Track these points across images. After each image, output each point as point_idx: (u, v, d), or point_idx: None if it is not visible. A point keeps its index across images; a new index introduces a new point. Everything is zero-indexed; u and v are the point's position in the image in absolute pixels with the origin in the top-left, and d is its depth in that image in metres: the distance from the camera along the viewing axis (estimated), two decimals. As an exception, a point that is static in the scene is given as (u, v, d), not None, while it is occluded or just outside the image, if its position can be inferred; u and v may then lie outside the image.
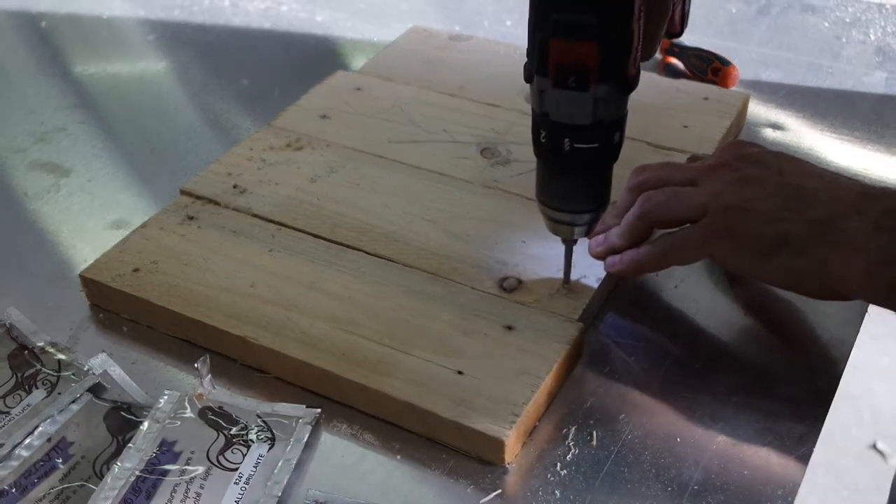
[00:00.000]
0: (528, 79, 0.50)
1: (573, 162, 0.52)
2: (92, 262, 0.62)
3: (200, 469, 0.49)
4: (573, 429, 0.52)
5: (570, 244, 0.57)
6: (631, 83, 0.50)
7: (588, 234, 0.56)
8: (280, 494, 0.48)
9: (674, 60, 0.87)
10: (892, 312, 0.49)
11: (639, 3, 0.47)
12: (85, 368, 0.55)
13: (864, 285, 0.49)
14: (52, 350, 0.57)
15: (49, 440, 0.51)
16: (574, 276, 0.59)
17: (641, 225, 0.56)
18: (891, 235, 0.48)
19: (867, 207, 0.49)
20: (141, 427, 0.51)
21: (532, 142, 0.53)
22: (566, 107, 0.49)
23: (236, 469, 0.49)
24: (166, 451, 0.50)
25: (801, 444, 0.51)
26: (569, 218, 0.55)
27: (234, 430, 0.51)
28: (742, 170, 0.54)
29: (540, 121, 0.51)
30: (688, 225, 0.54)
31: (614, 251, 0.58)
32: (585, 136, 0.50)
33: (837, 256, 0.49)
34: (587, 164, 0.52)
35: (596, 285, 0.58)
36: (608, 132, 0.51)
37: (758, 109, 0.80)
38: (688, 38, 0.87)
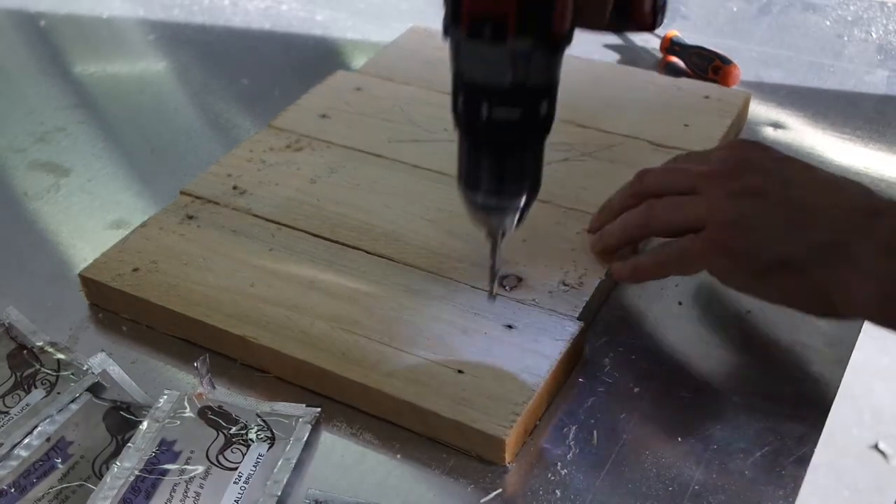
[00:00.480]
0: (444, 31, 0.44)
1: (493, 133, 0.45)
2: (91, 261, 0.62)
3: (200, 468, 0.49)
4: (573, 428, 0.52)
5: (495, 239, 0.50)
6: (559, 40, 0.43)
7: (517, 224, 0.50)
8: (280, 494, 0.48)
9: (675, 59, 0.87)
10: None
11: None
12: (84, 368, 0.55)
13: (871, 312, 0.47)
14: (51, 350, 0.57)
15: (48, 440, 0.51)
16: (576, 274, 0.59)
17: (641, 234, 0.57)
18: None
19: (874, 228, 0.47)
20: (140, 426, 0.51)
21: (451, 112, 0.47)
22: (482, 62, 0.43)
23: (236, 468, 0.49)
24: (166, 450, 0.50)
25: (801, 444, 0.51)
26: (491, 202, 0.48)
27: (233, 430, 0.51)
28: (744, 179, 0.52)
29: (456, 83, 0.45)
30: (689, 235, 0.53)
31: (609, 251, 0.58)
32: (505, 100, 0.44)
33: (840, 280, 0.47)
34: (508, 135, 0.45)
35: (596, 284, 0.58)
36: (532, 99, 0.44)
37: (759, 108, 0.80)
38: (689, 37, 0.87)
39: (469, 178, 0.47)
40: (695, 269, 0.54)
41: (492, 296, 0.51)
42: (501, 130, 0.45)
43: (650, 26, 0.63)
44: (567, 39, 0.44)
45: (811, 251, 0.48)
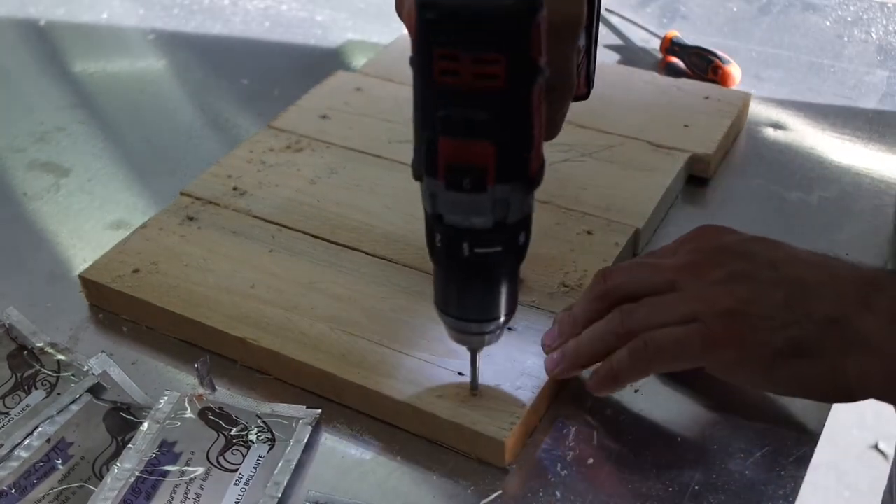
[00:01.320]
0: (416, 177, 0.44)
1: (474, 268, 0.45)
2: (91, 262, 0.62)
3: (200, 470, 0.49)
4: (573, 429, 0.52)
5: (475, 352, 0.51)
6: (534, 178, 0.43)
7: (495, 339, 0.50)
8: (280, 495, 0.48)
9: (674, 59, 0.87)
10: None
11: (538, 90, 0.41)
12: (84, 369, 0.55)
13: (886, 387, 0.45)
14: (51, 350, 0.57)
15: (48, 441, 0.51)
16: (576, 275, 0.59)
17: (618, 343, 0.49)
18: None
19: (874, 299, 0.45)
20: (141, 427, 0.51)
21: (426, 245, 0.47)
22: (462, 210, 0.43)
23: (236, 470, 0.49)
24: (166, 451, 0.50)
25: (801, 444, 0.51)
26: (474, 328, 0.48)
27: (234, 431, 0.51)
28: (727, 265, 0.48)
29: (434, 223, 0.45)
30: (678, 327, 0.47)
31: (578, 368, 0.52)
32: (486, 240, 0.44)
33: (855, 360, 0.44)
34: (490, 270, 0.46)
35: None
36: (512, 234, 0.45)
37: (759, 109, 0.80)
38: (689, 37, 0.87)
39: (448, 306, 0.48)
40: (691, 363, 0.48)
41: (473, 393, 0.52)
42: (482, 264, 0.45)
43: (585, 95, 0.61)
44: (541, 176, 0.44)
45: (821, 330, 0.45)
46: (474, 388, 0.52)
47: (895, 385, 0.44)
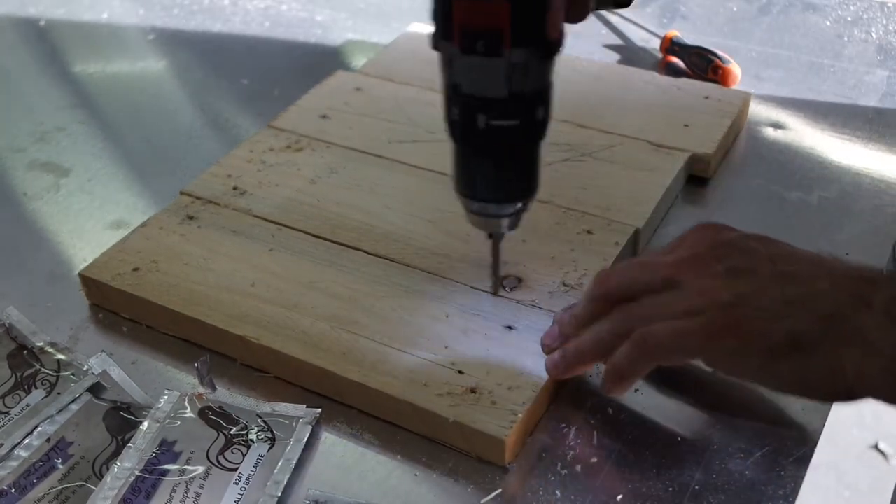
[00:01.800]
0: (434, 45, 0.44)
1: (491, 142, 0.44)
2: (91, 261, 0.62)
3: (200, 469, 0.49)
4: (573, 429, 0.52)
5: (497, 238, 0.49)
6: (552, 46, 0.42)
7: (516, 225, 0.49)
8: (280, 494, 0.48)
9: (674, 59, 0.87)
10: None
11: None
12: (84, 368, 0.55)
13: (888, 386, 0.44)
14: (51, 350, 0.57)
15: (48, 440, 0.51)
16: (576, 274, 0.59)
17: (620, 342, 0.48)
18: None
19: (873, 297, 0.44)
20: (141, 427, 0.51)
21: (444, 121, 0.46)
22: (478, 76, 0.42)
23: (236, 469, 0.49)
24: (166, 450, 0.50)
25: (801, 444, 0.51)
26: (494, 209, 0.47)
27: (234, 430, 0.51)
28: (728, 260, 0.48)
29: (451, 95, 0.44)
30: (674, 321, 0.47)
31: (579, 368, 0.52)
32: (502, 111, 0.43)
33: (853, 355, 0.44)
34: (507, 145, 0.45)
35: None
36: (529, 106, 0.44)
37: (759, 108, 0.80)
38: (689, 37, 0.87)
39: (467, 186, 0.47)
40: (693, 355, 0.48)
41: (496, 293, 0.50)
42: (499, 139, 0.44)
43: (627, 2, 0.59)
44: (560, 44, 0.43)
45: (820, 325, 0.45)
46: (496, 284, 0.49)
47: (893, 383, 0.44)
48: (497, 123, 0.44)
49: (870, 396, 0.45)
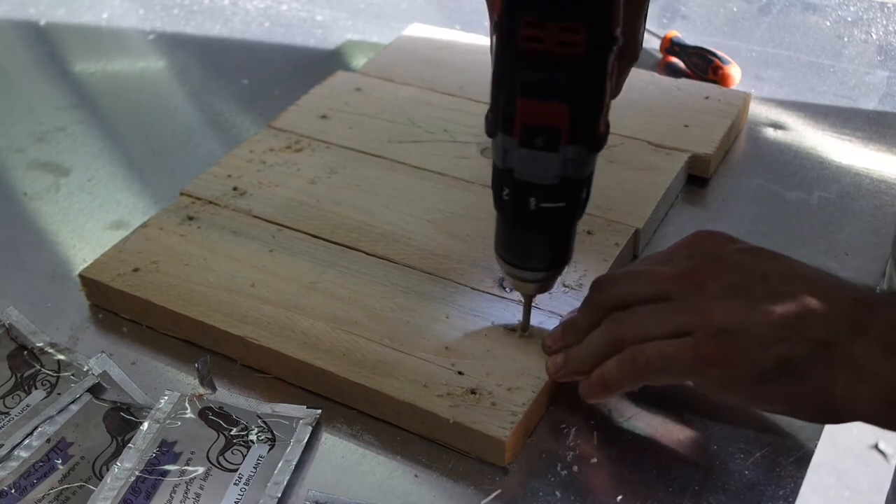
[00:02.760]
0: (490, 133, 0.47)
1: (539, 221, 0.48)
2: (91, 261, 0.62)
3: (200, 469, 0.49)
4: (573, 429, 0.52)
5: (529, 298, 0.54)
6: (600, 141, 0.46)
7: (550, 287, 0.53)
8: (280, 495, 0.48)
9: (674, 59, 0.87)
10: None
11: (612, 58, 0.44)
12: (84, 369, 0.55)
13: (878, 415, 0.44)
14: (51, 350, 0.57)
15: (48, 441, 0.51)
16: (576, 275, 0.59)
17: (612, 351, 0.49)
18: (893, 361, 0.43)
19: (869, 323, 0.44)
20: (141, 427, 0.51)
21: (493, 196, 0.49)
22: (533, 166, 0.46)
23: (236, 470, 0.49)
24: (166, 451, 0.50)
25: (801, 444, 0.51)
26: (531, 276, 0.51)
27: (234, 431, 0.51)
28: (721, 278, 0.48)
29: (503, 177, 0.47)
30: (670, 340, 0.47)
31: (574, 375, 0.52)
32: (552, 196, 0.47)
33: (844, 383, 0.44)
34: (553, 223, 0.49)
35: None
36: (576, 190, 0.47)
37: (759, 109, 0.80)
38: (689, 37, 0.87)
39: (515, 256, 0.51)
40: (681, 379, 0.49)
41: (520, 335, 0.55)
42: (547, 219, 0.48)
43: (636, 58, 0.64)
44: (606, 137, 0.47)
45: (811, 351, 0.44)
46: (524, 329, 0.55)
47: (882, 409, 0.43)
48: (546, 206, 0.47)
49: (859, 420, 0.44)
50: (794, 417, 0.48)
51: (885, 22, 0.93)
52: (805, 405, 0.46)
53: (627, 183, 0.67)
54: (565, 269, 0.59)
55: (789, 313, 0.45)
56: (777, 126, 0.78)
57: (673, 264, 0.50)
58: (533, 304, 0.56)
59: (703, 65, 0.83)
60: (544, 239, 0.50)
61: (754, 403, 0.49)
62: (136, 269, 0.61)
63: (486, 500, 0.49)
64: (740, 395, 0.47)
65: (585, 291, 0.57)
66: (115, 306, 0.61)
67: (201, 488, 0.48)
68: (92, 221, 0.71)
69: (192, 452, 0.50)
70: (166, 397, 0.53)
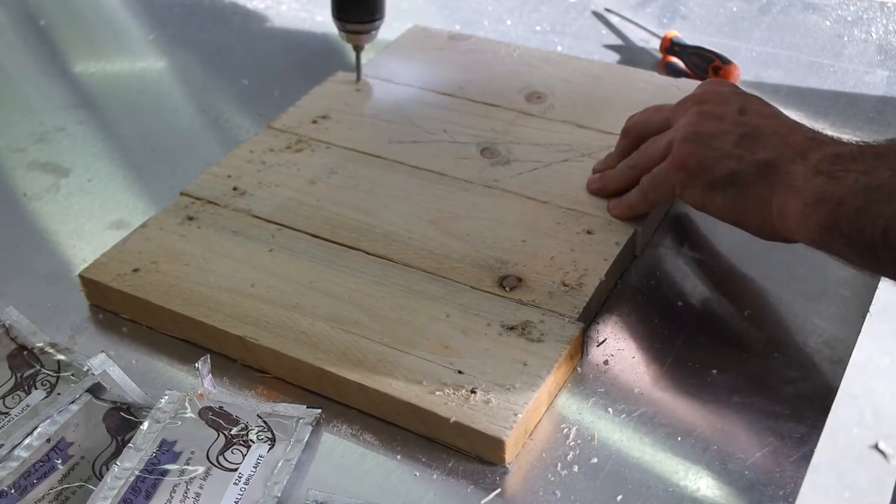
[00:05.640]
0: None
1: None
2: (91, 262, 0.62)
3: (200, 469, 0.49)
4: (573, 429, 0.52)
5: (358, 51, 0.78)
6: None
7: (371, 40, 0.75)
8: (280, 495, 0.48)
9: (674, 59, 0.87)
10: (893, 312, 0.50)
11: None
12: (84, 369, 0.55)
13: (799, 225, 0.51)
14: (51, 350, 0.57)
15: (48, 441, 0.51)
16: (576, 274, 0.59)
17: (632, 173, 0.62)
18: (825, 178, 0.50)
19: (812, 152, 0.52)
20: (141, 427, 0.51)
21: None
22: None
23: (236, 469, 0.49)
24: (166, 451, 0.50)
25: (802, 444, 0.51)
26: (357, 28, 0.74)
27: (234, 431, 0.51)
28: (706, 105, 0.58)
29: None
30: (660, 167, 0.59)
31: (604, 191, 0.65)
32: None
33: (778, 196, 0.52)
34: None
35: (596, 284, 0.58)
36: None
37: (758, 108, 0.80)
38: (689, 37, 0.87)
39: (337, 12, 0.76)
40: (667, 191, 0.59)
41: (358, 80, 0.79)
42: None
43: None
44: None
45: (757, 168, 0.53)
46: (358, 79, 0.79)
47: (807, 224, 0.50)
48: None
49: (789, 236, 0.53)
50: (741, 227, 0.56)
51: (885, 21, 0.93)
52: (748, 215, 0.55)
53: (627, 182, 0.67)
54: (565, 270, 0.60)
55: (748, 137, 0.55)
56: (777, 126, 0.78)
57: (682, 99, 0.61)
58: (533, 303, 0.56)
59: (704, 64, 0.83)
60: None
61: (708, 207, 0.57)
62: (136, 270, 0.61)
63: (485, 500, 0.49)
64: (697, 199, 0.57)
65: (586, 291, 0.58)
66: (114, 306, 0.61)
67: (201, 488, 0.48)
68: (92, 222, 0.71)
69: (192, 452, 0.50)
70: (166, 397, 0.53)
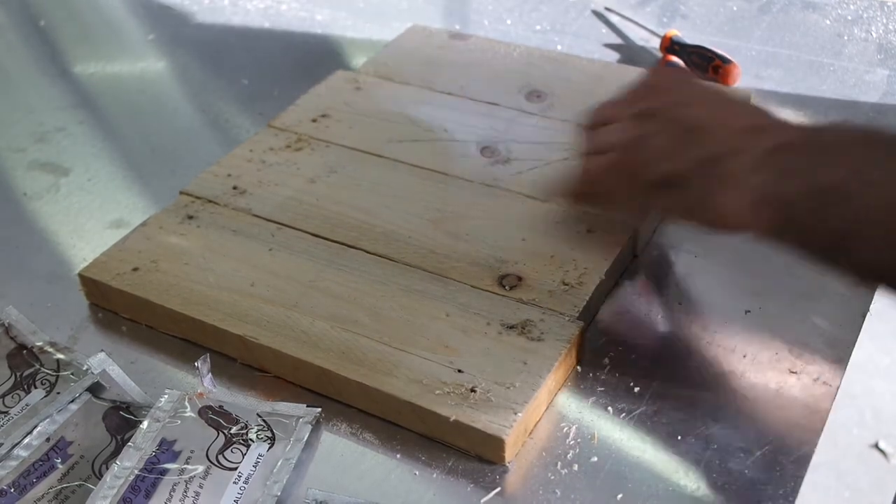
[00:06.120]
0: None
1: None
2: (91, 261, 0.62)
3: (200, 468, 0.49)
4: (573, 428, 0.52)
5: None
6: None
7: None
8: (279, 493, 0.48)
9: (674, 58, 0.87)
10: (892, 312, 0.49)
11: None
12: (84, 368, 0.55)
13: (748, 222, 0.50)
14: (51, 349, 0.57)
15: (48, 440, 0.51)
16: (576, 274, 0.59)
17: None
18: (771, 174, 0.48)
19: (752, 145, 0.50)
20: (141, 426, 0.51)
21: None
22: None
23: (236, 468, 0.49)
24: (166, 450, 0.50)
25: (801, 444, 0.51)
26: None
27: (234, 430, 0.51)
28: (644, 103, 0.57)
29: None
30: (598, 159, 0.58)
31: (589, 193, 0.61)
32: None
33: (720, 194, 0.50)
34: None
35: (596, 284, 0.58)
36: None
37: (759, 108, 0.80)
38: (689, 36, 0.87)
39: None
40: (603, 187, 0.58)
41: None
42: None
43: None
44: None
45: (695, 167, 0.51)
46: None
47: (756, 221, 0.49)
48: None
49: (734, 227, 0.51)
50: (686, 222, 0.55)
51: (885, 20, 0.93)
52: (689, 211, 0.53)
53: (627, 182, 0.67)
54: (565, 269, 0.59)
55: (686, 135, 0.53)
56: (777, 125, 0.78)
57: (630, 92, 0.59)
58: (533, 302, 0.56)
59: (704, 63, 0.83)
60: None
61: (652, 205, 0.57)
62: (135, 269, 0.61)
63: (485, 499, 0.49)
64: (640, 197, 0.56)
65: (586, 291, 0.58)
66: (114, 305, 0.61)
67: (201, 487, 0.48)
68: (92, 221, 0.71)
69: (192, 451, 0.50)
70: (166, 396, 0.53)
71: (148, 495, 0.47)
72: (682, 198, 0.52)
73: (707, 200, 0.51)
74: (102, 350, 0.57)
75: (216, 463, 0.49)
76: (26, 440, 0.51)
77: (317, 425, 0.53)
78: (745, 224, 0.50)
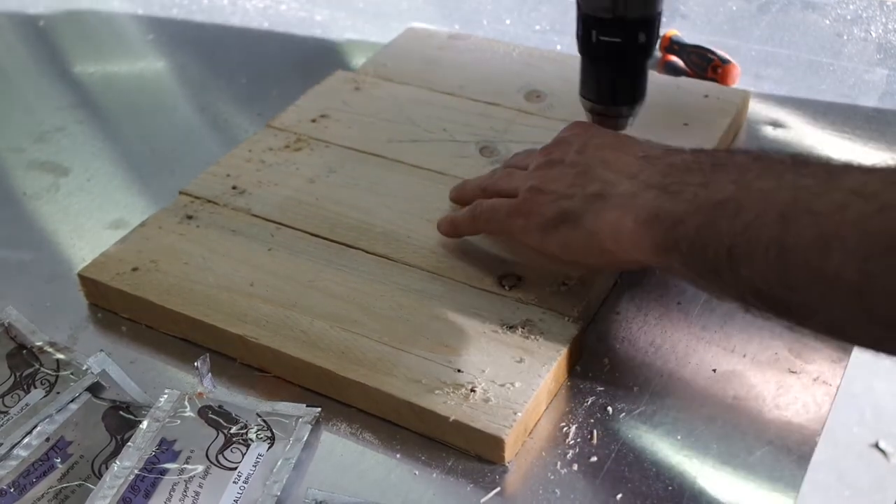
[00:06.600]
0: None
1: (600, 53, 0.61)
2: (91, 261, 0.62)
3: (199, 468, 0.49)
4: (573, 428, 0.52)
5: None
6: None
7: (622, 126, 0.64)
8: (279, 493, 0.48)
9: (674, 58, 0.87)
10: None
11: None
12: (83, 368, 0.55)
13: (635, 245, 0.50)
14: (50, 349, 0.57)
15: (47, 440, 0.51)
16: (576, 273, 0.59)
17: (481, 195, 0.62)
18: (657, 192, 0.49)
19: (642, 171, 0.52)
20: (141, 426, 0.51)
21: (577, 40, 0.62)
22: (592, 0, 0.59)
23: (235, 468, 0.49)
24: (165, 449, 0.50)
25: (801, 443, 0.51)
26: (610, 111, 0.64)
27: (233, 429, 0.51)
28: (552, 153, 0.58)
29: (577, 15, 0.61)
30: (497, 199, 0.59)
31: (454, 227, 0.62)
32: (609, 30, 0.59)
33: (608, 222, 0.51)
34: (612, 57, 0.60)
35: (595, 284, 0.58)
36: (632, 29, 0.59)
37: (758, 107, 0.80)
38: (688, 36, 0.87)
39: (587, 90, 0.65)
40: (501, 228, 0.59)
41: None
42: (605, 51, 0.60)
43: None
44: None
45: (585, 202, 0.53)
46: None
47: (643, 243, 0.49)
48: (605, 39, 0.60)
49: (632, 259, 0.51)
50: (578, 261, 0.56)
51: (884, 20, 0.93)
52: (580, 248, 0.54)
53: (627, 181, 0.67)
54: (565, 269, 0.59)
55: (582, 175, 0.55)
56: (776, 124, 0.78)
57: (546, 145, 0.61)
58: (532, 302, 0.56)
59: (703, 63, 0.83)
60: (608, 72, 0.62)
61: (547, 249, 0.56)
62: (135, 269, 0.61)
63: (485, 499, 0.49)
64: (534, 242, 0.57)
65: (586, 291, 0.58)
66: (114, 305, 0.61)
67: (200, 486, 0.48)
68: (91, 221, 0.71)
69: (192, 451, 0.50)
70: (165, 396, 0.53)
71: (147, 495, 0.47)
72: (572, 234, 0.54)
73: (594, 232, 0.52)
74: (102, 350, 0.57)
75: (216, 463, 0.49)
76: (26, 440, 0.51)
77: (316, 425, 0.53)
78: (633, 247, 0.50)
